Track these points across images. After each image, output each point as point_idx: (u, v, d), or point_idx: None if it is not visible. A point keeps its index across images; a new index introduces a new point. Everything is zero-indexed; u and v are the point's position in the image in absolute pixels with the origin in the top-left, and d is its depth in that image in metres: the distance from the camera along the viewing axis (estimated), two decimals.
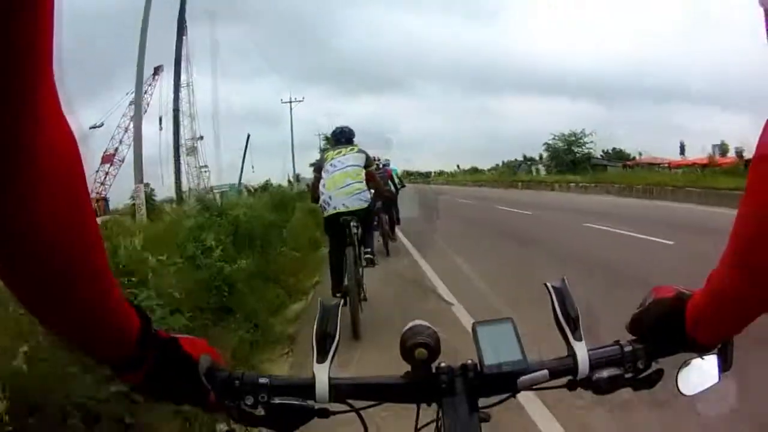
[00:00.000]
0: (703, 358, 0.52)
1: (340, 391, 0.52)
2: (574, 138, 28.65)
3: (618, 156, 32.00)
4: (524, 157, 49.79)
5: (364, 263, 3.50)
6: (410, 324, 0.52)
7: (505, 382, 0.50)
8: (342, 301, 0.52)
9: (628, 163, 26.83)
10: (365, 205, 3.49)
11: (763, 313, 0.45)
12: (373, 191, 3.63)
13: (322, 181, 3.50)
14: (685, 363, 0.53)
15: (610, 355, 0.53)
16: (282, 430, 0.52)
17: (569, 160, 27.04)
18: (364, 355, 2.29)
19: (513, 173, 37.10)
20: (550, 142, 29.61)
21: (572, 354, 0.52)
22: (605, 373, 0.52)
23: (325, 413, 0.52)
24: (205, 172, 37.22)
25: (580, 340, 0.52)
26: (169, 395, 0.49)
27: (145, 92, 31.74)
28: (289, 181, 41.95)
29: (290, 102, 37.85)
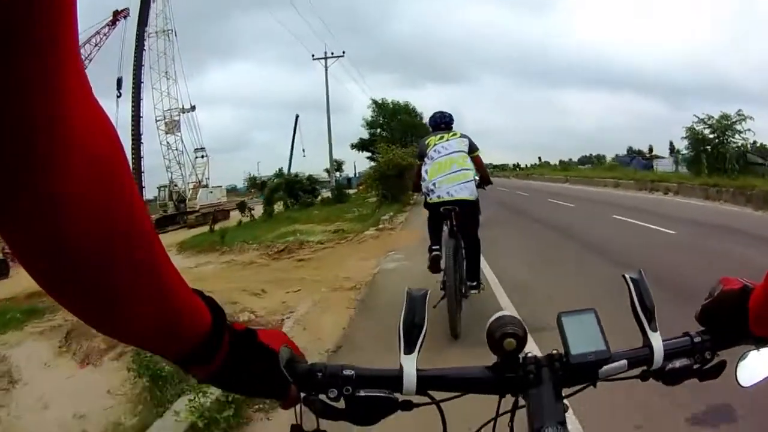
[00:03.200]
0: (759, 351, 0.59)
1: (427, 383, 0.56)
2: (727, 122, 21.80)
3: (763, 152, 25.52)
4: (630, 150, 39.28)
5: (464, 292, 3.61)
6: (497, 315, 0.56)
7: (588, 371, 0.55)
8: (428, 291, 0.58)
9: None
10: (472, 197, 3.55)
11: None
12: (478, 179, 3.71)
13: (424, 168, 3.67)
14: (743, 355, 0.60)
15: (681, 346, 0.58)
16: (364, 423, 0.55)
17: (722, 154, 20.62)
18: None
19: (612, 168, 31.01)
20: (696, 126, 22.30)
21: (648, 345, 0.57)
22: (677, 364, 0.57)
23: (408, 406, 0.56)
24: (202, 157, 29.14)
25: (655, 331, 0.58)
26: (245, 387, 0.52)
27: (96, 44, 24.06)
28: (327, 171, 33.24)
29: (325, 58, 31.73)
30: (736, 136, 21.41)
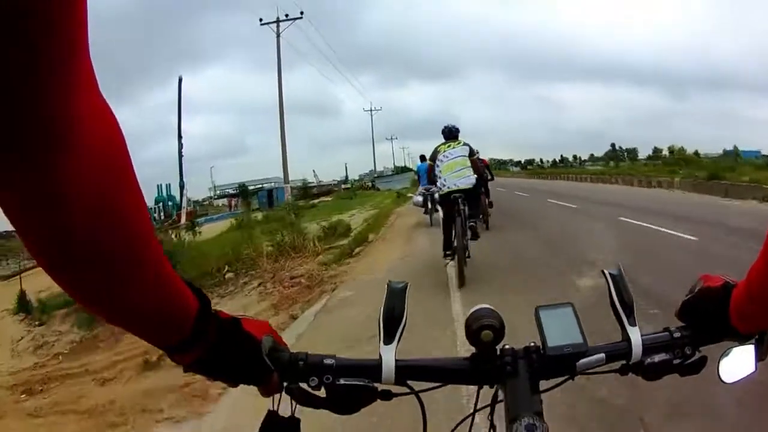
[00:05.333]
0: (742, 347, 0.64)
1: (405, 372, 0.62)
2: None
3: None
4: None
5: (469, 234, 5.99)
6: (475, 308, 0.63)
7: (565, 364, 0.62)
8: (407, 284, 0.64)
9: None
10: (471, 185, 5.83)
11: None
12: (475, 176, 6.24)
13: (437, 168, 5.90)
14: (726, 352, 0.66)
15: (661, 341, 0.64)
16: (344, 412, 0.61)
17: None
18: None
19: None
20: None
21: (627, 339, 0.63)
22: (656, 358, 0.62)
23: (388, 395, 0.62)
24: None
25: (634, 325, 0.63)
26: (229, 374, 0.59)
27: None
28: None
29: (277, 22, 25.12)
30: None
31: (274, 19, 25.33)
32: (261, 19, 25.61)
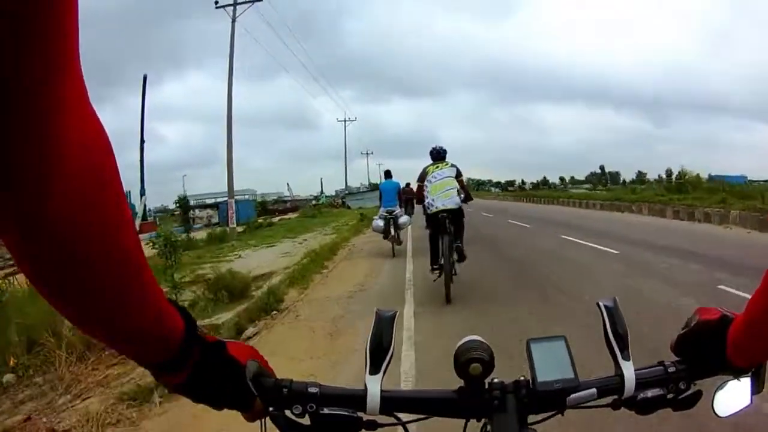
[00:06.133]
0: (738, 380, 0.63)
1: (391, 403, 0.61)
2: None
3: None
4: None
5: (456, 256, 6.32)
6: (464, 339, 0.62)
7: (556, 399, 0.60)
8: (397, 312, 0.63)
9: None
10: (458, 205, 6.30)
11: None
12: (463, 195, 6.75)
13: (426, 189, 6.28)
14: (721, 385, 0.64)
15: (654, 376, 0.63)
16: None
17: None
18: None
19: None
20: None
21: (620, 374, 0.62)
22: (649, 393, 0.61)
23: (373, 425, 0.61)
24: None
25: (628, 359, 0.62)
26: (212, 398, 0.58)
27: None
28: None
29: (234, 5, 21.53)
30: None
31: (231, 3, 22.54)
32: (216, 2, 22.37)
